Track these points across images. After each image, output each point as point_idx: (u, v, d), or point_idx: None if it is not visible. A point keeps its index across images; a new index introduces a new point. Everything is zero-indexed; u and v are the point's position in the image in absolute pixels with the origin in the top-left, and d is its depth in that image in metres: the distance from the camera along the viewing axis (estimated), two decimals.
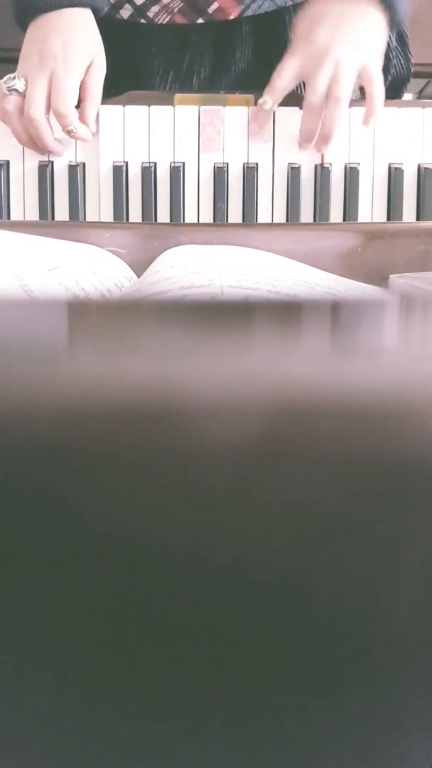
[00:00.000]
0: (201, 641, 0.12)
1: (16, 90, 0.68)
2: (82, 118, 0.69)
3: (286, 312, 0.17)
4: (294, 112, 0.71)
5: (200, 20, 0.75)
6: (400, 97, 0.80)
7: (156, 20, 0.75)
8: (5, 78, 0.69)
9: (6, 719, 0.13)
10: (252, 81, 0.76)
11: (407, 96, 0.79)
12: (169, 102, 0.71)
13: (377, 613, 0.12)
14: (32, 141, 0.70)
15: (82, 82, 0.69)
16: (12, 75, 0.69)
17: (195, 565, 0.12)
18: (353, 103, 0.73)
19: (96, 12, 0.70)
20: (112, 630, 0.12)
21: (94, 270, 0.44)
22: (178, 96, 0.72)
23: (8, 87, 0.68)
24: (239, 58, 0.78)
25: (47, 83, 0.67)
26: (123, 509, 0.11)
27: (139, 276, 0.49)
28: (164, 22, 0.75)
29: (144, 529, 0.11)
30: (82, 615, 0.12)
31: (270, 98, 0.69)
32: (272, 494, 0.11)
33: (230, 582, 0.12)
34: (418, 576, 0.12)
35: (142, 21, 0.75)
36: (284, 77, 0.68)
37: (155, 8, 0.74)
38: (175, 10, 0.75)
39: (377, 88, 0.68)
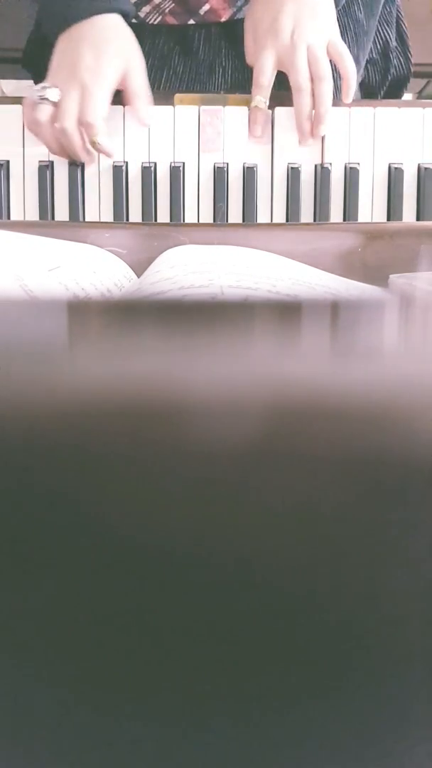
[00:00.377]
0: (202, 641, 0.12)
1: (47, 100, 0.68)
2: (136, 116, 0.70)
3: (286, 312, 0.17)
4: (293, 112, 0.71)
5: (191, 21, 0.75)
6: (400, 97, 0.81)
7: (147, 20, 0.75)
8: (37, 87, 0.69)
9: (6, 719, 0.13)
10: (245, 82, 0.77)
11: (407, 96, 0.79)
12: (169, 102, 0.71)
13: (379, 612, 0.12)
14: (63, 150, 0.70)
15: (124, 84, 0.69)
16: (44, 84, 0.69)
17: (196, 565, 0.12)
18: (353, 103, 0.73)
19: (125, 16, 0.70)
20: (113, 630, 0.12)
21: (94, 270, 0.44)
22: (178, 96, 0.72)
23: (40, 96, 0.68)
24: (232, 59, 0.78)
25: (80, 95, 0.68)
26: (124, 509, 0.11)
27: (139, 276, 0.49)
28: (155, 23, 0.75)
29: (144, 529, 0.12)
30: (82, 615, 0.12)
31: (261, 96, 0.70)
32: (273, 494, 0.11)
33: (231, 582, 0.12)
34: (420, 575, 0.12)
35: (134, 21, 0.75)
36: (266, 72, 0.69)
37: (146, 8, 0.75)
38: (167, 10, 0.75)
39: (348, 61, 0.71)
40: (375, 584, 0.12)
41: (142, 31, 0.75)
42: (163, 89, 0.77)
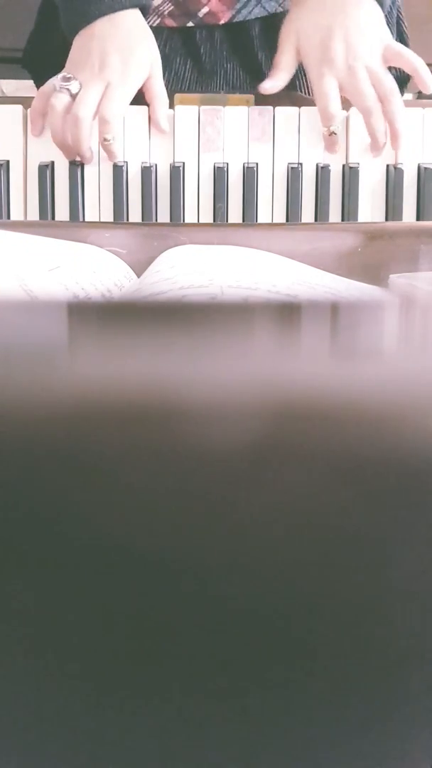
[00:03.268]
0: (203, 641, 0.12)
1: (68, 90, 0.68)
2: (153, 119, 0.69)
3: (286, 312, 0.17)
4: (294, 112, 0.71)
5: (190, 24, 0.75)
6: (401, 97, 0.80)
7: (147, 23, 0.75)
8: (60, 75, 0.68)
9: (7, 719, 0.13)
10: (244, 84, 0.77)
11: (407, 96, 0.79)
12: (169, 102, 0.71)
13: (380, 613, 0.12)
14: (66, 142, 0.69)
15: (145, 86, 0.69)
16: (68, 74, 0.68)
17: (196, 566, 0.12)
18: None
19: (143, 11, 0.70)
20: (113, 631, 0.12)
21: (94, 270, 0.44)
22: (178, 96, 0.72)
23: (62, 86, 0.67)
24: (232, 61, 0.78)
25: (102, 91, 0.67)
26: (123, 509, 0.11)
27: (139, 276, 0.49)
28: (154, 25, 0.75)
29: (144, 529, 0.12)
30: (83, 615, 0.12)
31: (333, 125, 0.68)
32: (272, 494, 0.11)
33: (231, 582, 0.12)
34: (420, 576, 0.12)
35: None
36: (332, 100, 0.67)
37: None
38: (165, 13, 0.75)
39: (408, 56, 0.69)
40: (377, 584, 0.12)
41: (155, 32, 0.75)
42: (176, 89, 0.77)
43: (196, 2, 0.74)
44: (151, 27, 0.74)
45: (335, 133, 0.69)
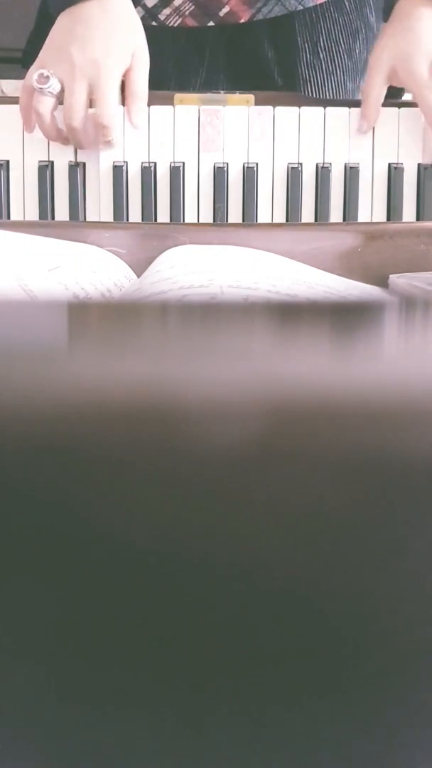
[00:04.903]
0: (203, 642, 0.12)
1: (50, 92, 0.66)
2: (128, 118, 0.68)
3: (286, 312, 0.17)
4: (294, 112, 0.71)
5: (211, 23, 0.75)
6: (400, 97, 0.80)
7: (167, 23, 0.75)
8: (37, 75, 0.66)
9: (6, 719, 0.13)
10: (263, 81, 0.76)
11: (407, 96, 0.79)
12: (169, 102, 0.71)
13: (381, 614, 0.12)
14: (60, 138, 0.69)
15: (125, 77, 0.67)
16: (44, 72, 0.65)
17: (196, 566, 0.12)
18: (353, 103, 0.73)
19: (160, 3, 0.69)
20: (114, 631, 0.12)
21: (94, 270, 0.44)
22: (178, 96, 0.72)
23: (41, 87, 0.66)
24: (252, 60, 0.78)
25: (86, 90, 0.66)
26: (123, 510, 0.11)
27: (139, 276, 0.49)
28: (175, 25, 0.75)
29: (144, 531, 0.11)
30: (83, 617, 0.12)
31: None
32: (273, 496, 0.11)
33: (232, 583, 0.12)
34: (422, 576, 0.12)
35: (154, 23, 0.74)
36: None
37: (167, 11, 0.74)
38: (186, 12, 0.75)
39: None
40: (378, 585, 0.12)
41: (161, 33, 0.75)
42: (179, 89, 0.76)
43: (217, 1, 0.74)
44: (171, 27, 0.74)
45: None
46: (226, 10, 0.74)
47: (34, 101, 0.67)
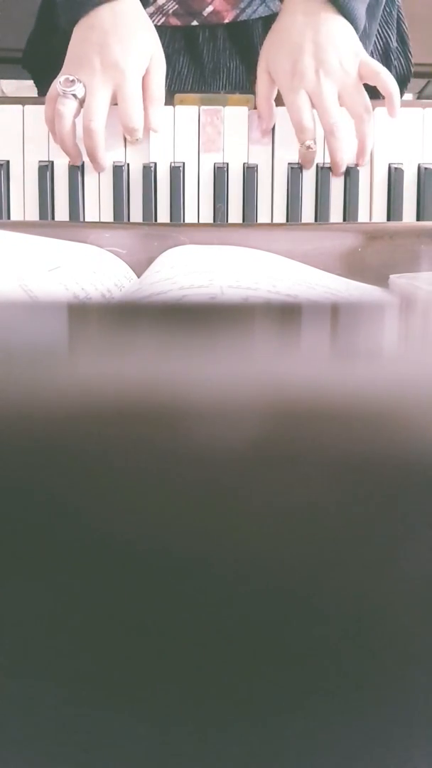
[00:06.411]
0: (203, 643, 0.12)
1: (74, 96, 0.66)
2: (147, 122, 0.68)
3: (287, 313, 0.17)
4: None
5: (195, 23, 0.75)
6: (400, 97, 0.80)
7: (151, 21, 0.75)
8: (62, 79, 0.66)
9: (6, 720, 0.13)
10: (249, 83, 0.76)
11: (407, 96, 0.79)
12: (169, 102, 0.71)
13: (383, 614, 0.12)
14: (71, 147, 0.68)
15: (143, 83, 0.68)
16: (70, 77, 0.66)
17: (197, 567, 0.12)
18: None
19: (144, 2, 0.69)
20: (114, 632, 0.12)
21: (94, 270, 0.44)
22: (178, 96, 0.72)
23: (66, 90, 0.66)
24: (236, 60, 0.78)
25: (109, 95, 0.66)
26: (123, 511, 0.11)
27: (139, 276, 0.49)
28: (159, 24, 0.75)
29: (144, 532, 0.12)
30: (82, 616, 0.12)
31: (309, 140, 0.68)
32: (273, 497, 0.11)
33: (232, 584, 0.12)
34: (421, 578, 0.12)
35: None
36: (305, 115, 0.67)
37: (150, 9, 0.74)
38: (170, 11, 0.75)
39: (385, 77, 0.69)
40: (377, 587, 0.12)
41: (158, 31, 0.75)
42: (168, 90, 0.76)
43: (200, 1, 0.74)
44: (155, 26, 0.74)
45: (311, 148, 0.68)
46: (209, 9, 0.74)
47: (57, 104, 0.66)
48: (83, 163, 0.71)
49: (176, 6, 0.74)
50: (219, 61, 0.78)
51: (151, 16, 0.74)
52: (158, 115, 0.69)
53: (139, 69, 0.67)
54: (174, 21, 0.75)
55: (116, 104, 0.68)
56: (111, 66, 0.66)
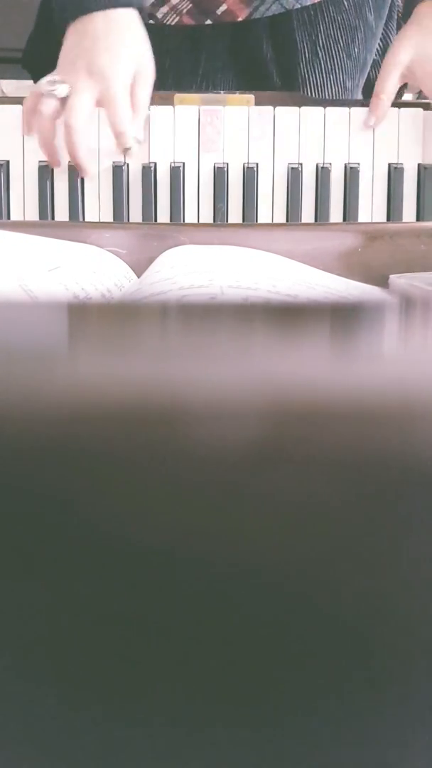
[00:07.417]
0: (203, 644, 0.12)
1: (56, 95, 0.66)
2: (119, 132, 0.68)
3: (286, 313, 0.17)
4: (294, 112, 0.71)
5: (208, 21, 0.75)
6: (400, 97, 0.80)
7: (165, 21, 0.75)
8: (47, 79, 0.66)
9: (6, 720, 0.13)
10: (262, 82, 0.76)
11: (407, 96, 0.79)
12: (169, 102, 0.71)
13: (383, 614, 0.12)
14: (51, 149, 0.68)
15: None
16: (54, 78, 0.66)
17: (197, 567, 0.12)
18: (353, 103, 0.73)
19: (141, 11, 0.69)
20: (113, 632, 0.12)
21: (94, 270, 0.44)
22: (178, 96, 0.72)
23: (48, 90, 0.66)
24: (252, 60, 0.78)
25: (93, 99, 0.65)
26: (123, 511, 0.11)
27: (139, 276, 0.49)
28: (173, 23, 0.75)
29: (144, 532, 0.11)
30: (82, 616, 0.12)
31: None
32: (273, 498, 0.11)
33: (231, 584, 0.12)
34: (422, 578, 0.12)
35: (151, 22, 0.74)
36: None
37: (164, 9, 0.74)
38: (184, 11, 0.75)
39: None
40: (377, 587, 0.12)
41: (158, 31, 0.75)
42: (178, 89, 0.76)
43: (214, 0, 0.74)
44: (169, 25, 0.74)
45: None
46: (223, 8, 0.74)
47: (38, 103, 0.67)
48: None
49: (190, 5, 0.74)
50: (221, 60, 0.78)
51: (164, 15, 0.74)
52: (140, 123, 0.68)
53: (125, 77, 0.66)
54: (188, 20, 0.75)
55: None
56: (96, 72, 0.66)
